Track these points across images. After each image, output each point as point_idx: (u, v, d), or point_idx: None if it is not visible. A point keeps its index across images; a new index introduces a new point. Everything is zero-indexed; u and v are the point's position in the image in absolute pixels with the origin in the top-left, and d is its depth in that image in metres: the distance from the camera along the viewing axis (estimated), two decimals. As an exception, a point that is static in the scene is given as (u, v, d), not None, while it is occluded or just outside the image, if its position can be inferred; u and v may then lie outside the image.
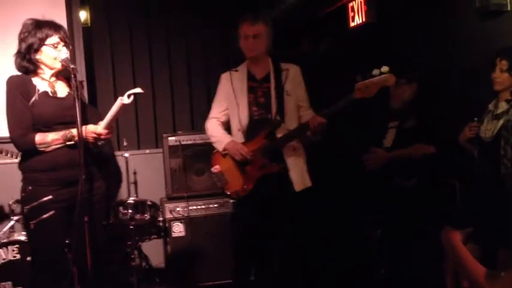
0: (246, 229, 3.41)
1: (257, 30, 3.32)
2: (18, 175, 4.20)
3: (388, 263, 3.61)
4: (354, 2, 4.38)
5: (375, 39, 4.23)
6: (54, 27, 2.85)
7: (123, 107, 2.75)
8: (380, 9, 4.17)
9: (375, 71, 3.02)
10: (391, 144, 3.50)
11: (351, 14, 4.43)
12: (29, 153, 2.83)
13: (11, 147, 3.87)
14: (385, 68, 3.01)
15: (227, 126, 3.48)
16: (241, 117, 3.38)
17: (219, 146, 3.41)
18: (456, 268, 2.44)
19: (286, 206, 3.35)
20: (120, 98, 2.74)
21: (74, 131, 2.73)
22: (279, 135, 3.30)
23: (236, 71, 3.46)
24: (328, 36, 5.04)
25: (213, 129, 3.47)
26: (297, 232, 3.41)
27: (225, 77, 3.49)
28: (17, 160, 3.69)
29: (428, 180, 3.35)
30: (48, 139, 2.78)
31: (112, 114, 2.78)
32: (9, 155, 3.75)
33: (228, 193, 3.43)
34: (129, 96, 2.73)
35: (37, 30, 2.81)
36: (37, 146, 2.78)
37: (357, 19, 4.36)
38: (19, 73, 2.88)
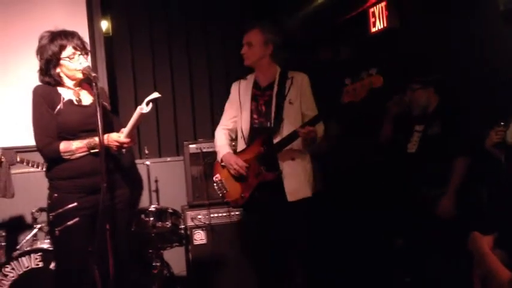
0: (253, 238, 3.46)
1: (250, 37, 3.37)
2: (41, 184, 4.24)
3: (414, 271, 3.55)
4: (375, 8, 4.34)
5: (397, 44, 4.18)
6: (66, 37, 2.85)
7: (143, 115, 2.76)
8: (402, 15, 4.13)
9: (363, 73, 2.98)
10: (415, 149, 3.45)
11: (372, 20, 4.39)
12: (54, 161, 2.85)
13: (35, 156, 3.92)
14: (372, 70, 2.97)
15: (236, 134, 3.53)
16: (243, 125, 3.43)
17: (218, 157, 3.49)
18: (484, 273, 2.40)
19: (285, 214, 3.30)
20: (139, 107, 2.74)
21: (97, 139, 2.74)
22: (275, 142, 3.30)
23: (245, 79, 3.52)
24: (348, 43, 5.00)
25: (217, 138, 3.55)
26: (303, 241, 3.39)
27: (234, 86, 3.56)
28: (39, 169, 3.77)
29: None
30: (73, 147, 2.81)
31: (132, 123, 2.79)
32: (35, 166, 3.77)
33: (228, 201, 3.47)
34: (147, 103, 2.73)
35: (51, 43, 2.83)
36: (62, 154, 2.80)
37: (378, 25, 4.32)
38: None
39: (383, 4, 4.24)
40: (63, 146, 2.80)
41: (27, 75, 4.24)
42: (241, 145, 3.46)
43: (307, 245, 3.42)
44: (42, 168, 3.77)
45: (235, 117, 3.50)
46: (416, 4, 4.03)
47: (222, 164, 3.44)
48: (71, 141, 2.82)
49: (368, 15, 4.44)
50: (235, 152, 3.48)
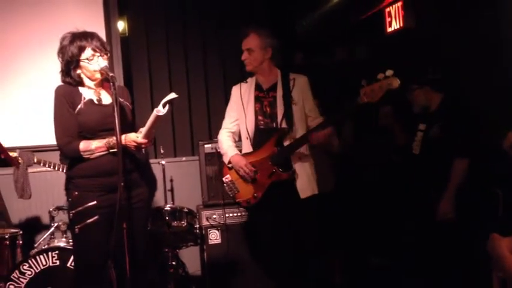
0: (265, 236, 3.47)
1: (249, 43, 3.43)
2: (57, 183, 4.31)
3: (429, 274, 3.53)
4: (391, 7, 4.32)
5: (413, 44, 4.16)
6: (85, 38, 2.86)
7: (159, 117, 2.76)
8: (419, 14, 4.10)
9: (380, 75, 3.02)
10: (418, 151, 3.48)
11: (388, 20, 4.37)
12: (75, 160, 2.88)
13: (52, 156, 3.97)
14: (389, 72, 3.00)
15: (238, 136, 3.58)
16: (248, 127, 3.47)
17: (225, 159, 3.52)
18: (504, 276, 2.38)
19: (298, 211, 3.38)
20: (156, 109, 2.74)
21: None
22: (286, 143, 3.37)
23: (246, 82, 3.58)
24: (363, 43, 4.99)
25: (222, 140, 3.59)
26: (315, 237, 3.43)
27: (235, 89, 3.61)
28: (56, 170, 3.80)
29: (467, 190, 3.27)
30: (92, 147, 2.83)
31: (149, 125, 2.80)
32: (51, 167, 3.80)
33: (239, 202, 3.50)
34: (164, 105, 2.73)
35: (70, 45, 2.85)
36: (82, 153, 2.83)
37: (394, 24, 4.30)
38: None
39: (399, 4, 4.22)
40: (83, 145, 2.83)
41: (43, 76, 4.36)
42: (246, 146, 3.50)
43: (318, 242, 3.45)
44: (59, 169, 3.80)
45: (237, 120, 3.55)
46: (432, 4, 4.01)
47: (229, 165, 3.49)
48: (91, 141, 2.84)
49: (384, 15, 4.42)
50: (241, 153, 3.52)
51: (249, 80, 3.58)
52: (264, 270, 3.75)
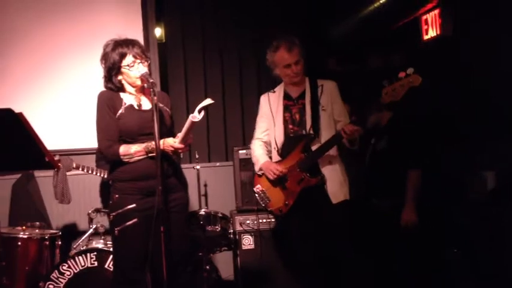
0: (297, 243, 3.45)
1: (295, 55, 3.39)
2: (96, 186, 4.41)
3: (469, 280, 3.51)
4: (427, 15, 4.29)
5: (450, 53, 4.12)
6: (127, 45, 2.93)
7: (195, 123, 2.79)
8: (456, 22, 4.07)
9: (401, 74, 3.05)
10: (366, 162, 3.70)
11: (425, 27, 4.34)
12: (115, 163, 2.95)
13: (89, 162, 4.06)
14: (410, 70, 3.03)
15: (270, 146, 3.57)
16: (276, 136, 3.48)
17: (256, 168, 3.54)
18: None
19: (330, 217, 3.36)
20: (191, 115, 2.78)
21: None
22: (313, 149, 3.36)
23: (273, 92, 3.57)
24: (399, 51, 4.96)
25: (254, 149, 3.61)
26: (347, 242, 3.42)
27: (263, 99, 3.61)
28: (94, 174, 3.89)
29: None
30: (132, 151, 2.90)
31: (185, 130, 2.84)
32: (89, 171, 3.89)
33: (272, 210, 3.51)
34: (199, 111, 2.77)
35: (112, 52, 2.92)
36: (121, 157, 2.90)
37: (431, 32, 4.27)
38: None
39: (436, 12, 4.19)
40: (123, 149, 2.90)
41: (84, 81, 4.47)
42: (274, 156, 3.51)
43: (350, 247, 3.43)
44: (96, 174, 3.88)
45: (267, 130, 3.56)
46: (471, 12, 3.97)
47: (259, 173, 3.51)
48: (130, 145, 2.91)
49: (420, 23, 4.40)
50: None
51: (276, 89, 3.58)
52: (295, 277, 3.75)
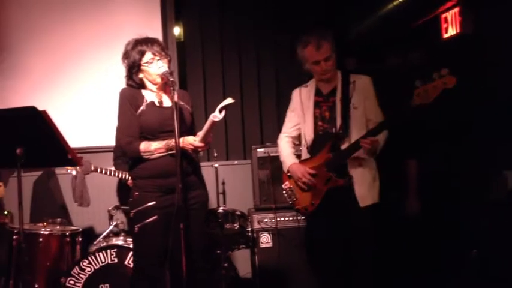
0: (321, 244, 3.41)
1: (326, 52, 3.26)
2: (115, 184, 4.45)
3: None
4: (447, 13, 4.26)
5: (471, 51, 4.09)
6: (146, 43, 2.98)
7: (215, 123, 2.81)
8: (477, 20, 4.03)
9: (435, 74, 2.90)
10: None
11: (444, 25, 4.31)
12: (136, 160, 2.98)
13: (107, 160, 4.10)
14: (444, 70, 2.89)
15: (299, 140, 3.52)
16: (306, 133, 3.41)
17: (284, 168, 3.48)
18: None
19: (355, 220, 3.26)
20: (212, 115, 2.80)
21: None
22: (342, 148, 3.27)
23: (306, 86, 3.48)
24: (418, 49, 4.93)
25: (282, 148, 3.54)
26: (371, 247, 3.34)
27: (295, 93, 3.53)
28: (112, 176, 3.91)
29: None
30: (152, 148, 2.92)
31: (205, 129, 2.86)
32: (108, 173, 3.91)
33: (298, 209, 3.45)
34: (220, 110, 2.79)
35: (132, 50, 2.97)
36: (142, 153, 2.93)
37: (451, 30, 4.24)
38: None
39: (456, 10, 4.16)
40: (143, 146, 2.93)
41: (104, 79, 4.52)
42: (304, 153, 3.45)
43: (374, 251, 3.35)
44: (115, 175, 3.92)
45: (298, 124, 3.49)
46: (492, 10, 3.93)
47: (288, 174, 3.45)
48: (151, 142, 2.93)
49: (440, 21, 4.37)
50: (299, 158, 3.47)
51: (309, 84, 3.48)
52: (316, 278, 3.72)
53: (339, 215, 3.28)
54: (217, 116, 2.78)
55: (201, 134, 2.90)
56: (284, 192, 3.49)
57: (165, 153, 2.93)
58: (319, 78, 3.40)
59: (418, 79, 2.98)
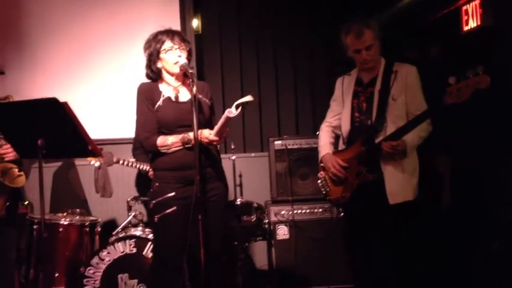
0: (352, 235, 3.41)
1: (367, 40, 3.15)
2: (134, 175, 4.50)
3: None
4: (468, 5, 4.21)
5: (492, 43, 4.04)
6: (167, 34, 3.03)
7: (230, 119, 2.81)
8: (497, 13, 3.98)
9: (469, 72, 2.75)
10: None
11: (465, 18, 4.26)
12: (156, 154, 3.03)
13: (127, 151, 4.14)
14: (480, 68, 2.73)
15: (340, 130, 3.42)
16: (343, 123, 3.35)
17: (319, 156, 3.44)
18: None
19: (382, 217, 3.17)
20: (227, 110, 2.80)
21: (191, 135, 2.86)
22: (377, 141, 3.14)
23: (349, 75, 3.39)
24: (437, 42, 4.88)
25: (320, 136, 3.49)
26: (399, 244, 3.27)
27: (338, 82, 3.45)
28: (134, 167, 3.94)
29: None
30: (169, 142, 2.97)
31: (220, 125, 2.87)
32: (129, 165, 3.95)
33: (330, 200, 3.42)
34: (237, 106, 2.78)
35: (153, 40, 3.03)
36: (159, 148, 2.98)
37: (471, 23, 4.19)
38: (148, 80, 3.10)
39: (477, 2, 4.11)
40: (160, 140, 2.98)
41: (117, 71, 4.56)
42: (341, 144, 3.39)
43: (402, 249, 3.29)
44: (136, 166, 3.94)
45: (339, 113, 3.39)
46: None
47: (322, 164, 3.41)
48: (167, 136, 2.97)
49: (460, 13, 4.32)
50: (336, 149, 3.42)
51: (352, 72, 3.37)
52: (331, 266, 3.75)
53: (367, 211, 3.20)
54: (232, 112, 2.78)
55: (215, 128, 2.91)
56: (319, 181, 3.43)
57: (182, 147, 2.96)
58: (360, 68, 3.31)
59: (453, 76, 2.82)
